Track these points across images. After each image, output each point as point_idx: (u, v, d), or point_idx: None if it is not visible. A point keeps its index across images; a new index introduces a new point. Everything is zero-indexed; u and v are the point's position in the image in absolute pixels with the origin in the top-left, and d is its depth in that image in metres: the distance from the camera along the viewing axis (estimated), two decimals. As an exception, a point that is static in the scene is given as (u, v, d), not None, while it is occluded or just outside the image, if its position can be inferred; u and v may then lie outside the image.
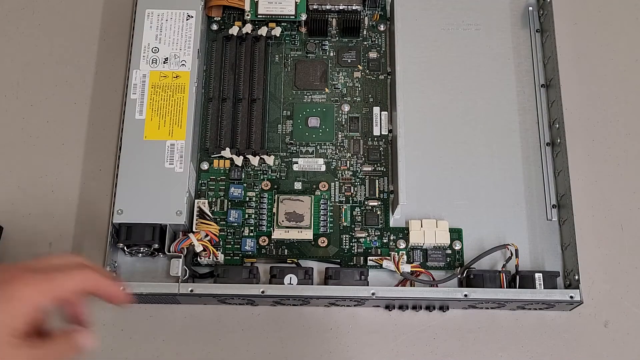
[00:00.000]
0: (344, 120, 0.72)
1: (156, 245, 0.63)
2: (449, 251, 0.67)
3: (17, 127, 0.73)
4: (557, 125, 0.70)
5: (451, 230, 0.67)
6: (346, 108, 0.72)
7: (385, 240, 0.67)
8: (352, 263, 0.66)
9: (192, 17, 0.71)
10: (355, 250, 0.67)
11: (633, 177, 0.72)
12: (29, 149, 0.72)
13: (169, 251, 0.64)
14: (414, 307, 0.65)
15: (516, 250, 0.65)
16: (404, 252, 0.66)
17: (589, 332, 0.65)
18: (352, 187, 0.69)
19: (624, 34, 0.78)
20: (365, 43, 0.75)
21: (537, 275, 0.64)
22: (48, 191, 0.70)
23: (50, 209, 0.69)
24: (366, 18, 0.75)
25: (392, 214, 0.68)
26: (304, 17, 0.73)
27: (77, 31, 0.77)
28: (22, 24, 0.77)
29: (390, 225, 0.68)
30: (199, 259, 0.65)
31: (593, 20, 0.78)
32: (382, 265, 0.65)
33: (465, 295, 0.62)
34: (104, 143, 0.72)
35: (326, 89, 0.73)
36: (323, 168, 0.70)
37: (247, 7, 0.73)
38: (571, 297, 0.62)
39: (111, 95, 0.74)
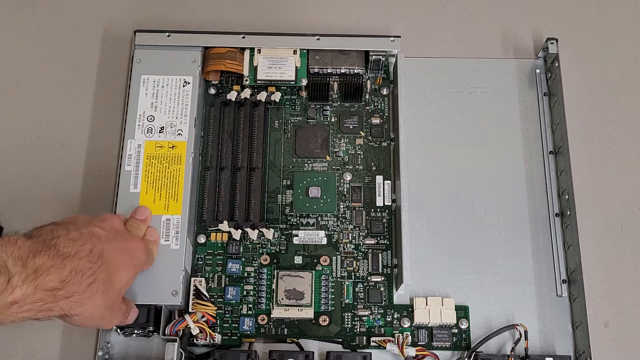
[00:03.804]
0: (345, 190, 0.69)
1: (151, 328, 0.61)
2: (455, 330, 0.64)
3: (17, 127, 0.72)
4: (567, 197, 0.67)
5: (457, 308, 0.65)
6: (348, 177, 0.69)
7: (389, 319, 0.65)
8: (354, 343, 0.64)
9: (189, 83, 0.69)
10: (358, 330, 0.64)
11: (633, 177, 0.71)
12: (29, 149, 0.71)
13: (164, 334, 0.61)
14: (419, 392, 0.62)
15: (525, 332, 0.63)
16: (409, 332, 0.64)
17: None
18: (354, 262, 0.66)
19: (624, 34, 0.78)
20: (367, 108, 0.72)
21: (547, 360, 0.62)
22: (48, 191, 0.70)
23: (50, 209, 0.68)
24: (368, 81, 0.73)
25: (396, 290, 0.65)
26: (304, 82, 0.70)
27: (77, 31, 0.77)
28: (22, 24, 0.77)
29: (394, 302, 0.65)
30: (195, 340, 0.63)
31: (593, 20, 0.78)
32: (385, 347, 0.63)
33: (473, 383, 0.60)
34: (105, 143, 0.71)
35: (327, 156, 0.70)
36: (324, 241, 0.67)
37: (245, 72, 0.70)
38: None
39: (112, 95, 0.73)
